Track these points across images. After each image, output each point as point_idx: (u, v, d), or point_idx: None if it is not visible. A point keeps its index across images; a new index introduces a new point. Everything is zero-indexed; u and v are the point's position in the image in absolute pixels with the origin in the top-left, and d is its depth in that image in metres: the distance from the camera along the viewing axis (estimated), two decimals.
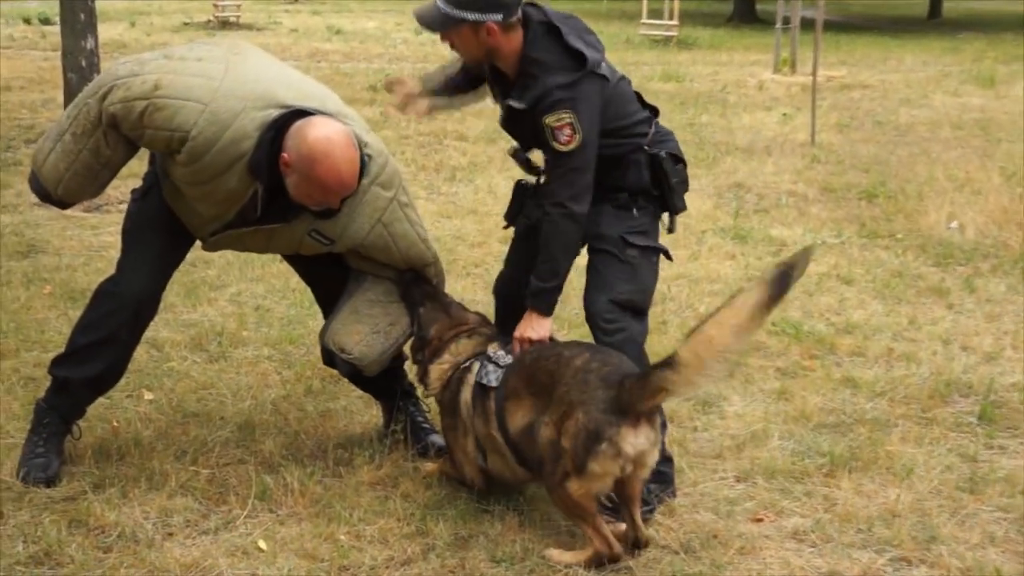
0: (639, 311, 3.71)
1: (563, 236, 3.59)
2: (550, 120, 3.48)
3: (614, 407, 3.17)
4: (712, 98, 13.76)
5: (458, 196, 8.34)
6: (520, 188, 3.90)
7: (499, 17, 3.50)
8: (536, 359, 3.48)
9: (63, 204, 3.78)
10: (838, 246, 7.02)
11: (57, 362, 3.81)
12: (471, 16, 3.50)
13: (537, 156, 3.78)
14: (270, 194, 3.49)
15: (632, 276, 3.67)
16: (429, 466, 3.87)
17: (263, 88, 3.44)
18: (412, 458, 3.94)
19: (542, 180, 3.78)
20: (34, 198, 4.91)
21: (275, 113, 3.41)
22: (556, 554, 3.34)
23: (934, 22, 30.67)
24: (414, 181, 8.73)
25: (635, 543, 3.35)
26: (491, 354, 3.62)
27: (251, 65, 3.53)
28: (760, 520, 3.62)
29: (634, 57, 18.27)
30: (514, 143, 3.82)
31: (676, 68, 16.67)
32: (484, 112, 3.51)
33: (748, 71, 16.74)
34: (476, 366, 3.63)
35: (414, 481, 3.77)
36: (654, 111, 3.82)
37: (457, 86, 4.02)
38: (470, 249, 6.81)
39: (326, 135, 3.37)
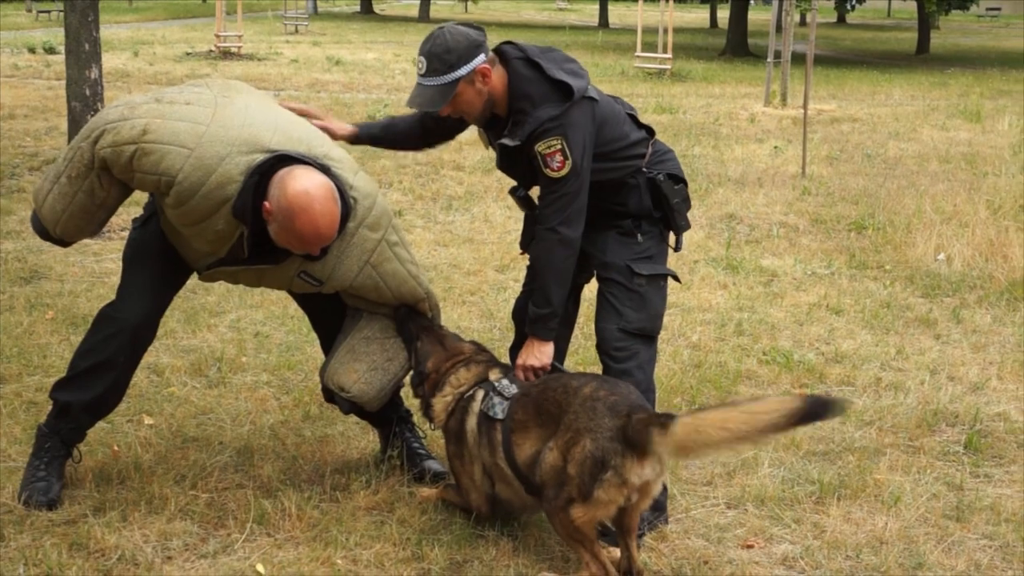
0: (649, 337, 3.77)
1: (554, 261, 3.62)
2: (541, 147, 3.51)
3: (621, 436, 3.19)
4: (704, 130, 13.89)
5: (454, 225, 8.43)
6: (532, 216, 3.91)
7: (483, 57, 3.53)
8: (543, 390, 3.48)
9: (63, 243, 3.85)
10: (828, 277, 7.11)
11: (58, 386, 3.86)
12: (463, 70, 3.50)
13: (536, 193, 3.80)
14: (258, 236, 3.53)
15: (641, 304, 3.72)
16: (425, 492, 3.90)
17: (249, 132, 3.47)
18: (408, 483, 3.98)
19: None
20: None
21: (260, 158, 3.44)
22: None
23: (922, 58, 30.97)
24: (411, 210, 8.83)
25: (628, 571, 3.37)
26: (496, 384, 3.62)
27: (239, 108, 3.54)
28: (750, 546, 3.66)
29: (628, 89, 18.44)
30: (514, 183, 3.85)
31: (669, 100, 16.84)
32: (481, 142, 3.59)
33: (740, 104, 16.90)
34: (480, 394, 3.63)
35: (410, 506, 3.80)
36: (650, 131, 3.83)
37: (403, 130, 4.03)
38: (466, 277, 6.88)
39: (305, 189, 3.37)
